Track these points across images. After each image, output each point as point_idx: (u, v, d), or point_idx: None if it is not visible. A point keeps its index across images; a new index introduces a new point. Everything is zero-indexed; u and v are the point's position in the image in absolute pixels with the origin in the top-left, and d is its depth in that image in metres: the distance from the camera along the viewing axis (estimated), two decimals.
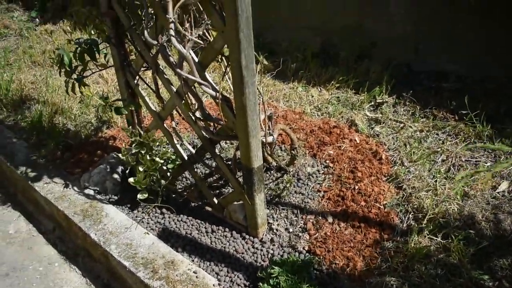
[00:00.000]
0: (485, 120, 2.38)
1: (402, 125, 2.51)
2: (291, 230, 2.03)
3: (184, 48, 1.61)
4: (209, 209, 2.25)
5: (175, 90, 1.98)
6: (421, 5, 2.93)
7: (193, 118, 1.97)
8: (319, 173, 2.27)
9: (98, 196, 2.41)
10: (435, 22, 2.91)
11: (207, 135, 1.94)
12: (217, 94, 1.69)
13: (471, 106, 2.41)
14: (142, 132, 2.33)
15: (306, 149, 2.41)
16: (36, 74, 3.80)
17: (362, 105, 2.72)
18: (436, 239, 1.83)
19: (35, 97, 3.42)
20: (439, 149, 2.28)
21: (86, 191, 2.46)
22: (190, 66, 1.65)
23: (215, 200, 2.19)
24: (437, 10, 2.87)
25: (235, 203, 2.10)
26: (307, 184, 2.21)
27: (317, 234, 1.96)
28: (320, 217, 2.04)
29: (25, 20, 5.42)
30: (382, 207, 2.02)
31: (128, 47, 2.24)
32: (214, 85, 1.73)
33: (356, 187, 2.11)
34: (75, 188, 2.49)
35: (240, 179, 1.94)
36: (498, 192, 2.03)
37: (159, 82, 2.06)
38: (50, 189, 2.50)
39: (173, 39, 1.57)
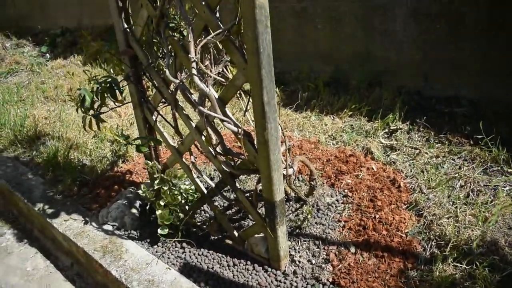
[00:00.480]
0: (500, 144, 2.40)
1: (417, 151, 2.54)
2: (313, 261, 2.04)
3: (206, 85, 1.66)
4: (230, 242, 2.27)
5: (194, 125, 2.03)
6: (428, 33, 3.00)
7: (213, 152, 2.01)
8: (338, 203, 2.28)
9: (117, 232, 2.43)
10: (442, 49, 2.98)
11: (227, 169, 1.97)
12: (239, 130, 1.73)
13: (485, 130, 2.44)
14: (159, 166, 2.38)
15: (324, 178, 2.44)
16: (49, 109, 3.89)
17: (376, 133, 2.76)
18: (461, 267, 1.83)
19: (49, 132, 3.48)
20: (457, 175, 2.30)
21: (105, 226, 2.48)
22: (212, 103, 1.70)
23: (236, 233, 2.20)
24: (444, 37, 2.95)
25: (256, 236, 2.12)
26: (327, 214, 2.23)
27: (341, 265, 1.96)
28: (342, 248, 2.05)
29: (35, 55, 5.57)
30: (404, 235, 2.03)
31: (145, 84, 2.30)
32: (236, 121, 1.77)
33: (377, 216, 2.13)
34: (94, 224, 2.51)
35: (261, 211, 1.96)
36: None
37: (177, 117, 2.11)
38: (69, 225, 2.53)
39: (196, 78, 1.62)
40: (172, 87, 2.08)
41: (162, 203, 2.15)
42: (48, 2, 6.59)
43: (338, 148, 2.68)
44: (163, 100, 2.20)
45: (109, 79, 1.98)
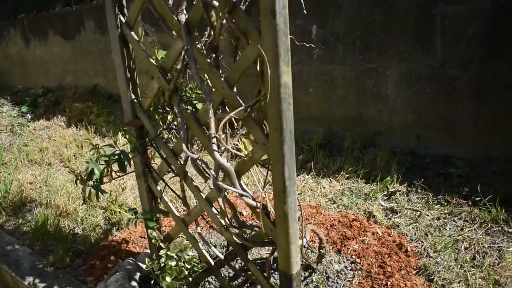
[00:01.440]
0: (499, 203, 2.49)
1: (418, 213, 2.59)
2: None
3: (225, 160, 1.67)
4: None
5: (204, 197, 2.02)
6: (420, 94, 3.17)
7: (225, 225, 1.99)
8: (347, 269, 2.28)
9: None
10: (434, 109, 3.14)
11: (240, 241, 1.95)
12: (258, 204, 1.74)
13: (482, 190, 2.53)
14: (161, 237, 2.33)
15: (329, 244, 2.44)
16: (34, 173, 3.79)
17: (376, 195, 2.81)
18: None
19: (35, 198, 3.38)
20: (460, 237, 2.35)
21: None
22: (232, 178, 1.71)
23: None
24: (436, 98, 3.11)
25: None
26: (337, 282, 2.21)
27: None
28: None
29: (15, 115, 5.48)
30: None
31: (150, 154, 2.30)
32: (252, 195, 1.78)
33: (389, 283, 2.12)
34: None
35: (271, 280, 1.93)
36: None
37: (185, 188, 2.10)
38: None
39: (217, 155, 1.64)
40: (182, 158, 2.09)
41: (168, 279, 2.08)
42: (29, 61, 6.57)
43: (340, 212, 2.71)
44: (170, 171, 2.19)
45: (117, 151, 1.97)
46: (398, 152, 3.22)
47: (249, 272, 2.07)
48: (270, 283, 1.99)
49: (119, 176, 2.33)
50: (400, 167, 3.00)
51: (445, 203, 2.66)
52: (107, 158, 1.93)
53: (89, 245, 2.78)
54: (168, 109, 2.11)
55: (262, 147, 1.68)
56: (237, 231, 1.97)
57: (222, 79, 1.68)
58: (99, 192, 2.24)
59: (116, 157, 1.96)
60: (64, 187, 3.42)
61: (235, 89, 1.73)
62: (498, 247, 2.27)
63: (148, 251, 2.64)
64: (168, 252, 2.05)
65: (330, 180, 3.08)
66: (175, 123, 2.24)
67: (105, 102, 4.70)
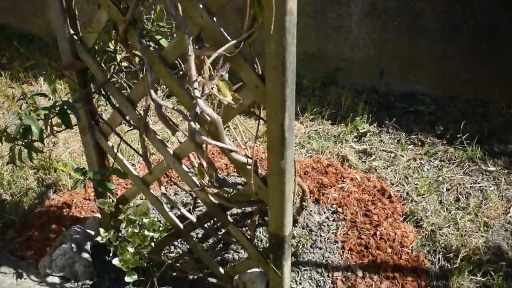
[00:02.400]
0: (472, 141, 2.42)
1: (393, 155, 2.47)
2: None
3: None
4: (214, 280, 1.96)
5: (171, 152, 1.68)
6: (385, 28, 2.95)
7: (198, 183, 1.69)
8: (329, 220, 2.10)
9: (68, 285, 1.98)
10: (399, 44, 2.95)
11: (219, 202, 1.67)
12: (249, 160, 1.45)
13: (453, 128, 2.44)
14: (113, 199, 1.98)
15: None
16: None
17: (346, 137, 2.63)
18: (476, 278, 1.77)
19: None
20: (440, 178, 2.26)
21: (49, 279, 2.00)
22: (219, 130, 1.38)
23: (221, 270, 1.91)
24: (401, 32, 2.91)
25: (251, 271, 1.85)
26: (320, 235, 2.04)
27: None
28: (348, 273, 1.88)
29: None
30: (410, 251, 1.92)
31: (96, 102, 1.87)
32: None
33: (377, 233, 1.99)
34: (33, 277, 2.02)
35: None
36: (510, 217, 2.05)
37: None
38: None
39: (201, 102, 1.29)
40: (141, 107, 1.70)
41: (131, 249, 1.76)
42: None
43: (312, 158, 2.49)
44: (126, 123, 1.80)
45: (59, 102, 1.54)
46: (360, 89, 3.03)
47: (229, 235, 1.81)
48: (255, 246, 1.75)
49: (59, 131, 1.89)
50: (366, 105, 2.83)
51: (419, 143, 2.55)
52: (46, 111, 1.49)
53: (22, 213, 2.33)
54: (120, 47, 1.68)
55: (254, 91, 1.36)
56: (215, 190, 1.68)
57: (201, 5, 1.30)
58: (33, 152, 1.80)
59: (58, 109, 1.53)
60: None
61: (214, 19, 1.36)
62: (480, 187, 2.22)
63: (97, 215, 2.27)
64: (130, 216, 1.71)
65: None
66: (124, 65, 1.81)
67: (18, 44, 3.96)
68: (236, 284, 1.91)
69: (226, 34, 1.31)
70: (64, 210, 2.34)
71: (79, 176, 1.59)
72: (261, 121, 1.48)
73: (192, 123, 1.40)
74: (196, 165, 1.72)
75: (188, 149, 1.66)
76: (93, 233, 2.21)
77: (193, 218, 1.87)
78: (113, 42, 1.68)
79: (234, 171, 2.51)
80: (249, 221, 2.20)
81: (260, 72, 1.34)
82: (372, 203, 2.14)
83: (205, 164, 1.57)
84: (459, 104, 2.79)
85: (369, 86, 3.07)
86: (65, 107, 1.54)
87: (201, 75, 1.51)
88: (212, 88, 1.55)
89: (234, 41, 1.25)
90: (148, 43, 1.55)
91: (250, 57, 1.34)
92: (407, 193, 2.19)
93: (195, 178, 1.71)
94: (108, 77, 1.68)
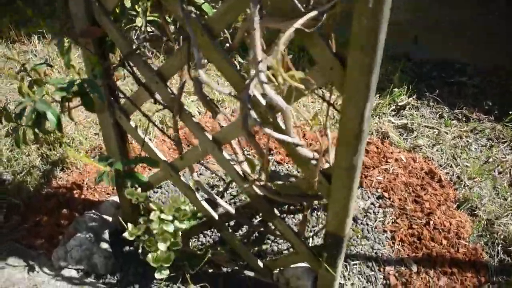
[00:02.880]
0: None
1: (436, 131, 2.25)
2: None
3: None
4: (251, 273, 1.78)
5: (210, 137, 1.43)
6: None
7: (241, 173, 1.46)
8: (375, 207, 1.91)
9: (88, 280, 1.77)
10: (437, 9, 2.66)
11: (265, 194, 1.44)
12: (315, 155, 1.22)
13: (501, 103, 2.22)
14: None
15: None
16: None
17: (383, 110, 2.39)
18: None
19: None
20: (490, 159, 2.06)
21: (66, 272, 1.80)
22: (286, 120, 1.13)
23: (260, 264, 1.72)
24: None
25: (296, 267, 1.67)
26: (367, 224, 1.85)
27: None
28: (402, 267, 1.70)
29: None
30: (467, 243, 1.75)
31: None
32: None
33: (431, 222, 1.80)
34: (46, 270, 1.82)
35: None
36: None
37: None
38: (7, 277, 1.79)
39: (267, 88, 1.04)
40: (174, 85, 1.43)
41: (163, 247, 1.54)
42: None
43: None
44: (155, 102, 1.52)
45: (77, 80, 1.26)
46: (393, 56, 2.76)
47: (275, 229, 1.61)
48: (305, 243, 1.55)
49: (73, 108, 1.62)
50: (403, 75, 2.57)
51: (464, 119, 2.34)
52: (63, 93, 1.21)
53: (26, 195, 2.09)
54: (151, 13, 1.38)
55: (327, 73, 1.11)
56: (263, 182, 1.46)
57: None
58: (43, 134, 1.53)
59: (76, 88, 1.25)
60: None
61: None
62: None
63: (113, 198, 2.03)
64: (163, 215, 1.48)
65: (323, 92, 2.57)
66: (147, 32, 1.52)
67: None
68: (276, 278, 1.74)
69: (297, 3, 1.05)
70: (75, 191, 2.10)
71: (104, 167, 1.34)
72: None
73: (247, 108, 1.16)
74: (239, 152, 1.48)
75: (232, 135, 1.42)
76: (110, 219, 1.98)
77: (231, 209, 1.66)
78: (141, 4, 1.39)
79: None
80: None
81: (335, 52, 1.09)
82: (422, 188, 1.94)
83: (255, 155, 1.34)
84: (503, 76, 2.55)
85: (401, 52, 2.80)
86: (86, 85, 1.26)
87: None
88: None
89: (314, 12, 0.99)
90: (189, 7, 1.27)
91: (326, 33, 1.08)
92: (458, 177, 2.00)
93: (237, 167, 1.48)
94: (134, 47, 1.39)
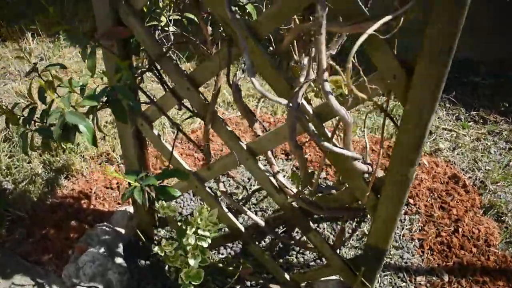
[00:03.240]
0: None
1: (454, 134, 2.21)
2: None
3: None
4: (276, 287, 1.70)
5: (244, 146, 1.35)
6: None
7: (276, 183, 1.38)
8: (401, 214, 1.85)
9: None
10: None
11: (302, 206, 1.37)
12: (369, 168, 1.15)
13: None
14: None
15: None
16: None
17: (398, 112, 2.33)
18: None
19: None
20: (511, 163, 2.03)
21: None
22: (347, 132, 1.06)
23: (287, 277, 1.64)
24: None
25: (326, 279, 1.60)
26: (395, 232, 1.78)
27: None
28: (433, 277, 1.66)
29: None
30: (497, 250, 1.71)
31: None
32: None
33: (459, 230, 1.76)
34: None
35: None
36: None
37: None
38: None
39: (333, 99, 0.96)
40: (207, 91, 1.33)
41: (193, 262, 1.45)
42: None
43: (368, 136, 2.20)
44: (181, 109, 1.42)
45: (106, 87, 1.15)
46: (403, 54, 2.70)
47: (307, 242, 1.53)
48: (339, 255, 1.48)
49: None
50: None
51: (481, 120, 2.30)
52: (94, 102, 1.10)
53: (30, 206, 1.96)
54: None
55: (387, 82, 1.04)
56: (300, 194, 1.38)
57: None
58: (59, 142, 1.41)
59: (107, 97, 1.14)
60: None
61: None
62: None
63: (125, 208, 1.92)
64: (200, 231, 1.39)
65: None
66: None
67: None
68: None
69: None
70: (83, 201, 1.98)
71: (134, 181, 1.23)
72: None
73: (294, 118, 1.08)
74: (274, 162, 1.39)
75: (269, 145, 1.34)
76: (123, 231, 1.87)
77: (261, 222, 1.57)
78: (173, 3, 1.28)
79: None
80: None
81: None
82: (447, 194, 1.89)
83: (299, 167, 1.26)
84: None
85: (411, 49, 2.74)
86: (120, 92, 1.15)
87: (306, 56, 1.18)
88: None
89: (389, 17, 0.92)
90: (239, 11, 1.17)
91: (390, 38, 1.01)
92: (481, 181, 1.96)
93: (272, 179, 1.40)
94: (165, 50, 1.29)
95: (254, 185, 2.02)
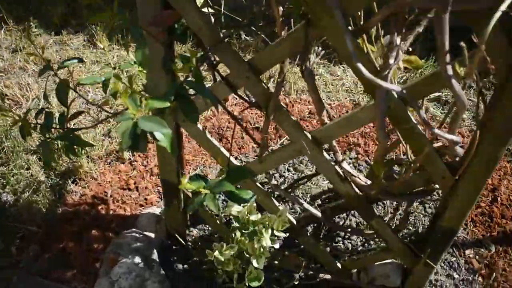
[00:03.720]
0: None
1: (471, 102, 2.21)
2: (455, 276, 1.60)
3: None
4: (327, 276, 1.64)
5: (310, 135, 1.25)
6: None
7: (341, 172, 1.30)
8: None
9: None
10: None
11: (380, 197, 1.30)
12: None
13: None
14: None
15: None
16: None
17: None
18: None
19: None
20: None
21: None
22: (457, 120, 0.98)
23: (339, 265, 1.59)
24: None
25: (383, 263, 1.56)
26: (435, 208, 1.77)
27: (493, 272, 1.58)
28: (481, 249, 1.66)
29: None
30: None
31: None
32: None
33: (498, 199, 1.77)
34: None
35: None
36: None
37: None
38: None
39: (455, 84, 0.88)
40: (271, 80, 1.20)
41: (257, 265, 1.34)
42: None
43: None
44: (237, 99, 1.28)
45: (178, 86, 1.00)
46: None
47: (370, 231, 1.47)
48: (400, 238, 1.44)
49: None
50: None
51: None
52: (166, 103, 0.94)
53: (40, 219, 1.75)
54: None
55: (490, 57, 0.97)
56: (369, 182, 1.31)
57: None
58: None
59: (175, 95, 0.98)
60: None
61: None
62: None
63: (148, 210, 1.77)
64: (276, 232, 1.28)
65: (344, 66, 2.41)
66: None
67: None
68: (359, 278, 1.62)
69: None
70: (100, 207, 1.79)
71: (203, 188, 1.09)
72: None
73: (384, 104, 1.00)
74: (338, 150, 1.30)
75: (338, 133, 1.24)
76: (153, 235, 1.72)
77: (317, 213, 1.49)
78: None
79: None
80: None
81: None
82: None
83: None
84: None
85: None
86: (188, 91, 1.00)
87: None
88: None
89: None
90: None
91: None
92: (508, 149, 1.98)
93: (338, 168, 1.31)
94: (223, 35, 1.14)
95: (286, 174, 1.94)
